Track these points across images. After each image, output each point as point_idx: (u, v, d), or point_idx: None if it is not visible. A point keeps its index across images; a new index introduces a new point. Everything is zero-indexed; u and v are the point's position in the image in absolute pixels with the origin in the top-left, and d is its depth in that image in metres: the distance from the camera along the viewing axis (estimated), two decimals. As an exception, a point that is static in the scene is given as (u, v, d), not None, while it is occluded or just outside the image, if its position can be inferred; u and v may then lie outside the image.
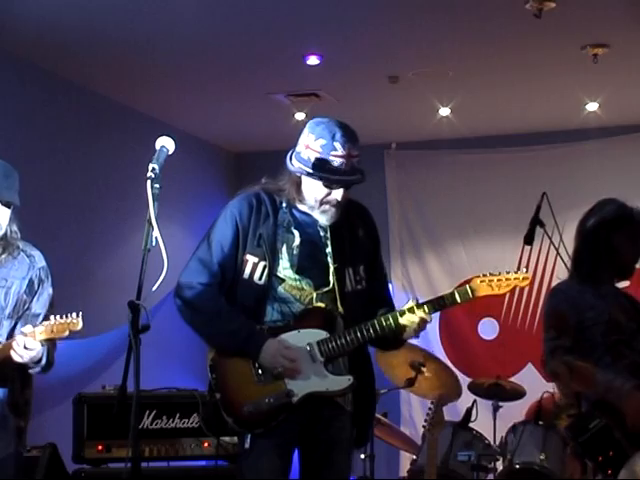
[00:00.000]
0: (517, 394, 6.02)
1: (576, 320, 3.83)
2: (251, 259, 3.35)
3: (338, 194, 3.35)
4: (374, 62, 6.04)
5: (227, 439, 3.87)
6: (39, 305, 3.62)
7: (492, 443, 5.49)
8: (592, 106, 6.82)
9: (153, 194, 3.02)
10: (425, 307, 3.32)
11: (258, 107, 6.90)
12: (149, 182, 3.03)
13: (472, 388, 6.01)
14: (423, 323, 3.32)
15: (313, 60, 5.92)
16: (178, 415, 5.00)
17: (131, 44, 5.65)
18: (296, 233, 3.39)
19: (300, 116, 6.93)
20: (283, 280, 3.37)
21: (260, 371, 3.31)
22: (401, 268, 7.82)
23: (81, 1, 5.07)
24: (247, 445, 3.27)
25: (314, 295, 3.37)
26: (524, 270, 3.42)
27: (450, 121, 7.06)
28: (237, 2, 5.15)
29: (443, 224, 7.77)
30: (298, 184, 3.39)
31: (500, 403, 5.91)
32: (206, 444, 4.97)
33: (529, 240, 5.14)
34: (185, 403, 4.99)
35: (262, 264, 3.34)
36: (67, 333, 3.39)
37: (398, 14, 5.28)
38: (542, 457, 5.09)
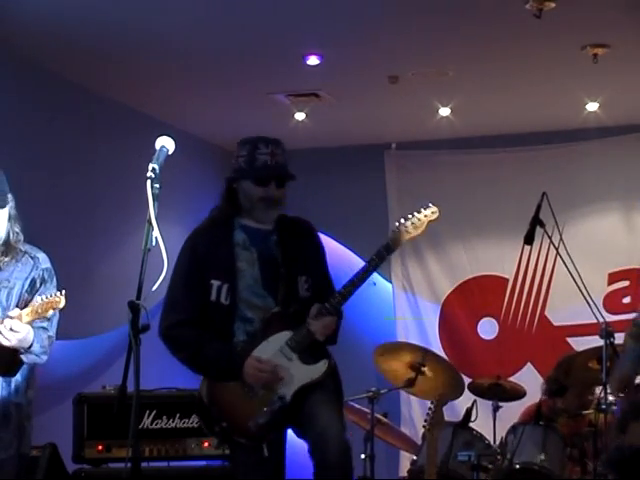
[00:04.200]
0: (517, 394, 6.01)
1: None
2: (215, 283, 3.55)
3: (274, 191, 3.57)
4: (374, 62, 6.03)
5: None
6: None
7: (492, 443, 5.48)
8: (592, 106, 6.81)
9: (153, 194, 3.03)
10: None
11: (258, 107, 6.88)
12: (149, 182, 3.04)
13: (472, 388, 6.00)
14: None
15: (313, 60, 5.91)
16: (178, 415, 5.01)
17: (131, 44, 5.65)
18: (253, 250, 3.60)
19: (300, 116, 6.92)
20: (246, 300, 3.56)
21: (248, 388, 3.52)
22: (401, 268, 7.80)
23: (81, 0, 5.08)
24: (266, 453, 3.49)
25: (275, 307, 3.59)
26: (430, 205, 3.95)
27: (450, 121, 7.05)
28: (237, 2, 5.16)
29: (443, 224, 7.69)
30: (232, 194, 3.63)
31: (500, 403, 5.89)
32: (206, 444, 4.97)
33: (529, 240, 5.14)
34: (185, 403, 4.99)
35: (226, 286, 3.54)
36: (51, 312, 3.44)
37: (398, 14, 5.28)
38: (542, 457, 5.09)
